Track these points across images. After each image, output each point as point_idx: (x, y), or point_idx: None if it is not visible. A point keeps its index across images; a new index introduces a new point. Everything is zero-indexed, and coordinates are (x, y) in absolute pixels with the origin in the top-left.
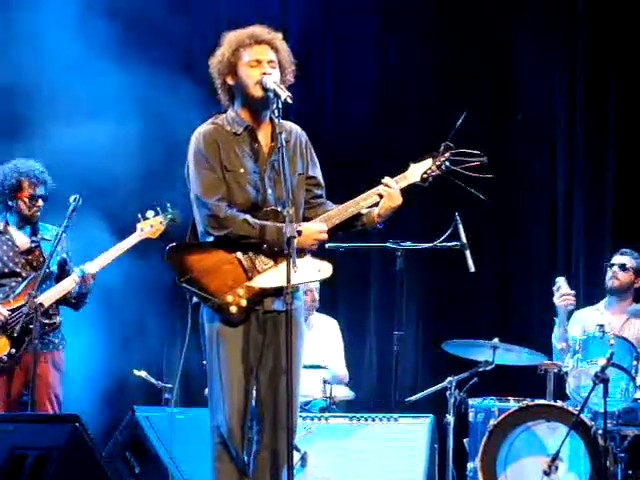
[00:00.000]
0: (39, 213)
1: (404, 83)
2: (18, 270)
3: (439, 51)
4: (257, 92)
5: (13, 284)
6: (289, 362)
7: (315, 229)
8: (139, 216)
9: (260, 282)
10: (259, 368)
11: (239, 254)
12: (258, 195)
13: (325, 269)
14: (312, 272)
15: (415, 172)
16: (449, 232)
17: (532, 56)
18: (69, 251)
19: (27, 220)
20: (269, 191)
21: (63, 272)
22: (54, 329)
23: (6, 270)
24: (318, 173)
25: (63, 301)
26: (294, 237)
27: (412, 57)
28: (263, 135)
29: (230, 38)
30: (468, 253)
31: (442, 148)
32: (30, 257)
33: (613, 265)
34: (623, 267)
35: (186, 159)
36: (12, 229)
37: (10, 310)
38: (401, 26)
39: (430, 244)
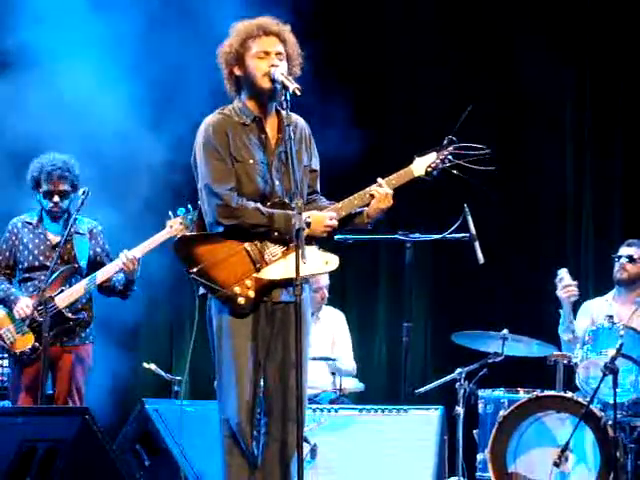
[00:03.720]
0: (58, 209)
1: (407, 92)
2: (48, 264)
3: (443, 56)
4: (265, 84)
5: (42, 277)
6: (297, 354)
7: (325, 216)
8: (170, 213)
9: (268, 274)
10: (267, 360)
11: (247, 245)
12: (266, 186)
13: (332, 261)
14: (319, 264)
15: (420, 165)
16: (458, 224)
17: (539, 55)
18: (106, 245)
19: (50, 215)
20: (276, 182)
21: (99, 268)
22: (82, 324)
23: (36, 263)
24: (318, 167)
25: (110, 292)
26: (303, 229)
27: (413, 62)
28: (270, 126)
29: (239, 28)
30: (477, 245)
31: (445, 142)
32: (61, 251)
33: (620, 257)
34: (631, 258)
35: (193, 149)
36: (45, 222)
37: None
38: (399, 29)
39: (439, 236)
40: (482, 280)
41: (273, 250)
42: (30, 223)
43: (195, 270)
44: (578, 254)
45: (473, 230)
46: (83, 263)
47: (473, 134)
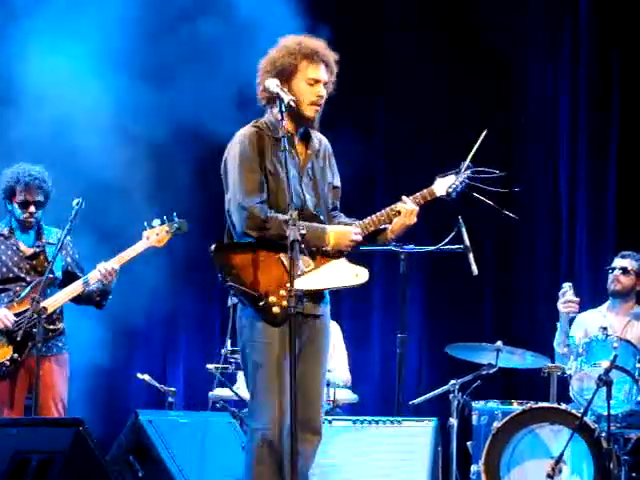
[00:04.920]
0: (33, 219)
1: (402, 86)
2: (22, 275)
3: (438, 53)
4: (309, 112)
5: (17, 289)
6: (292, 365)
7: (351, 230)
8: (145, 224)
9: (300, 284)
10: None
11: (282, 255)
12: (298, 200)
13: (362, 274)
14: (350, 277)
15: (441, 186)
16: (452, 235)
17: (534, 57)
18: (76, 254)
19: (24, 226)
20: (307, 196)
21: (71, 278)
22: (58, 335)
23: (10, 275)
24: (339, 184)
25: (86, 301)
26: (297, 240)
27: (410, 58)
28: (299, 143)
29: (293, 46)
30: (471, 256)
31: (463, 166)
32: (35, 262)
33: (614, 269)
34: (624, 270)
35: (223, 159)
36: (16, 234)
37: (14, 314)
38: (398, 26)
39: (433, 247)
40: (476, 292)
41: (307, 260)
42: (1, 235)
43: (232, 277)
44: (572, 266)
45: (467, 242)
46: (58, 274)
47: (467, 144)
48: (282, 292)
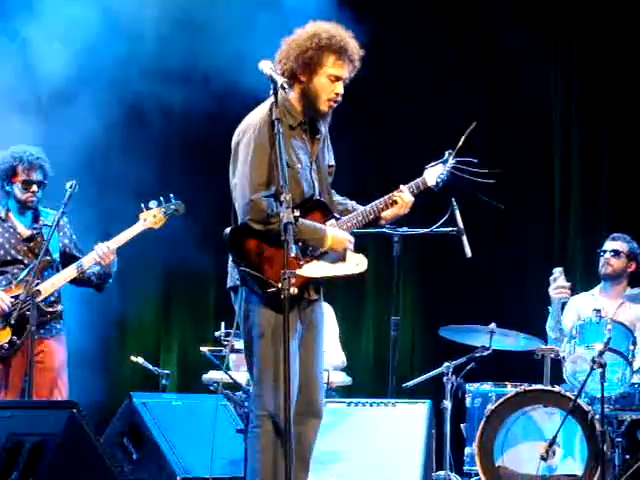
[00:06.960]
0: (35, 199)
1: (400, 82)
2: (20, 257)
3: (435, 51)
4: (324, 108)
5: (15, 271)
6: (286, 348)
7: (347, 238)
8: (142, 206)
9: (308, 271)
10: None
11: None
12: (310, 190)
13: (362, 263)
14: (351, 265)
15: (431, 176)
16: (446, 217)
17: (528, 54)
18: (74, 235)
19: (24, 206)
20: (316, 184)
21: (69, 260)
22: (56, 317)
23: (8, 258)
24: (334, 162)
25: (85, 283)
26: (291, 223)
27: (408, 57)
28: (309, 130)
29: (325, 40)
30: (465, 238)
31: (447, 155)
32: (32, 244)
33: (605, 252)
34: (615, 253)
35: (236, 142)
36: (13, 216)
37: (12, 297)
38: (396, 24)
39: (427, 229)
40: (470, 274)
41: (315, 248)
42: None
43: (244, 263)
44: (565, 249)
45: (461, 224)
46: (56, 256)
47: (462, 132)
48: (292, 280)
